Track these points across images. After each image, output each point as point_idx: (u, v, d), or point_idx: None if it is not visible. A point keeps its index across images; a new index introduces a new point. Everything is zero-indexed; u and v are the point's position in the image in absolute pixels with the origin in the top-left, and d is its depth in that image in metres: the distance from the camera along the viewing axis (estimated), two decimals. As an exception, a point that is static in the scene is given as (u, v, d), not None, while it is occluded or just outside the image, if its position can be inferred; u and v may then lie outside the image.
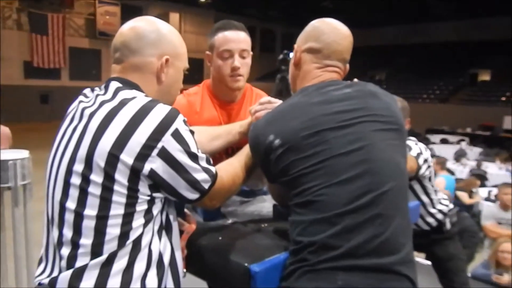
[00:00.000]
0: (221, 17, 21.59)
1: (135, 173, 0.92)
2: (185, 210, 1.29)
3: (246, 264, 1.07)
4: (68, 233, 0.94)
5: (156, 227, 1.00)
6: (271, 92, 1.59)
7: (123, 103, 0.96)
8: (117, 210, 0.92)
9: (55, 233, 0.97)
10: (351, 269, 0.98)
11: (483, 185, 6.77)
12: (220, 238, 1.22)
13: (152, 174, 0.93)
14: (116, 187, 0.91)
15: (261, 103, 1.32)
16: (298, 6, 19.20)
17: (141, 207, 0.95)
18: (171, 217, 1.06)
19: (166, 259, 1.02)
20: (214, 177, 1.04)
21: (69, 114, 1.06)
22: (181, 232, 1.21)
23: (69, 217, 0.94)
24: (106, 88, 1.02)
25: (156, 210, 0.99)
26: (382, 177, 1.05)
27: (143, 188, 0.94)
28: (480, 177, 7.12)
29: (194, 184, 0.99)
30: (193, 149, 0.99)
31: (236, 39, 1.53)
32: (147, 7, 19.01)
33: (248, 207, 1.49)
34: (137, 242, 0.95)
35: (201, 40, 20.59)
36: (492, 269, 3.44)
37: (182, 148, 0.96)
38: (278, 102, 1.29)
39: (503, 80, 17.84)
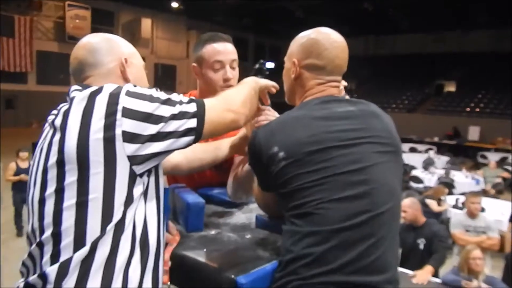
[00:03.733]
0: (192, 24, 21.51)
1: (109, 144, 0.90)
2: (169, 222, 1.27)
3: (232, 276, 1.06)
4: (48, 230, 0.92)
5: (142, 205, 0.97)
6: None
7: (71, 100, 0.96)
8: (96, 193, 0.90)
9: (37, 234, 0.94)
10: (343, 285, 1.00)
11: (450, 193, 6.99)
12: (204, 249, 1.21)
13: (127, 136, 0.91)
14: (92, 170, 0.90)
15: (261, 110, 1.32)
16: (270, 16, 19.41)
17: (123, 183, 0.92)
18: (159, 196, 1.03)
19: (152, 238, 0.99)
20: (194, 100, 1.01)
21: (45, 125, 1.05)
22: (165, 244, 1.19)
23: (48, 213, 0.92)
24: (68, 95, 1.02)
25: (140, 186, 0.95)
26: (379, 199, 1.07)
27: (122, 159, 0.91)
28: (448, 185, 7.34)
29: (178, 116, 0.96)
30: (155, 94, 0.97)
31: (226, 50, 1.54)
32: (118, 12, 18.78)
33: (231, 218, 1.48)
34: (121, 221, 0.92)
35: (173, 46, 20.51)
36: (462, 275, 3.54)
37: (142, 100, 0.94)
38: (275, 112, 1.31)
39: (467, 91, 18.54)
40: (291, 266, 1.03)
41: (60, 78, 16.23)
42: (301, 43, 1.24)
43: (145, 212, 0.98)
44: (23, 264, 0.99)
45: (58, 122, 0.95)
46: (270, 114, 1.32)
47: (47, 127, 1.01)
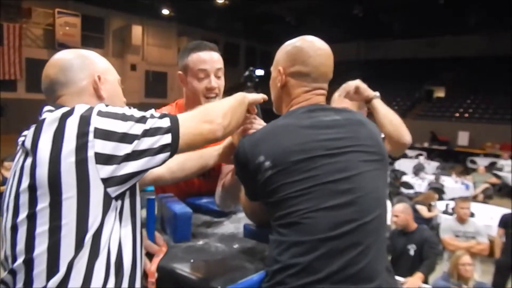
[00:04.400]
0: (183, 30, 21.44)
1: (81, 167, 0.88)
2: (155, 232, 1.26)
3: (219, 287, 1.06)
4: (20, 257, 0.90)
5: (117, 227, 0.95)
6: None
7: (40, 122, 0.94)
8: (69, 217, 0.88)
9: (10, 262, 0.92)
10: None
11: (440, 198, 7.02)
12: (191, 260, 1.20)
13: (100, 157, 0.89)
14: (64, 194, 0.87)
15: (247, 118, 1.32)
16: (261, 21, 19.49)
17: (96, 205, 0.90)
18: (134, 217, 1.01)
19: (127, 261, 0.96)
20: (166, 115, 0.99)
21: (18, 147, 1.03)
22: (152, 256, 1.19)
23: (21, 240, 0.90)
24: (40, 114, 1.01)
25: (114, 208, 0.93)
26: (366, 207, 1.08)
27: (95, 181, 0.89)
28: (438, 190, 7.39)
29: (151, 132, 0.94)
30: (128, 113, 0.95)
31: (211, 59, 1.54)
32: (109, 18, 18.71)
33: (219, 228, 1.47)
34: (95, 244, 0.90)
35: (164, 53, 20.45)
36: (451, 281, 3.55)
37: (114, 119, 0.92)
38: (261, 121, 1.31)
39: (456, 96, 18.72)
40: (279, 276, 1.03)
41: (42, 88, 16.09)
42: (286, 51, 1.25)
43: (119, 235, 0.96)
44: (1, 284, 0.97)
45: (28, 144, 0.93)
46: (256, 123, 1.32)
47: (19, 149, 0.99)
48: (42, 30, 17.17)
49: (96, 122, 0.91)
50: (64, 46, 16.46)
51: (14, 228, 0.92)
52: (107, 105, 0.96)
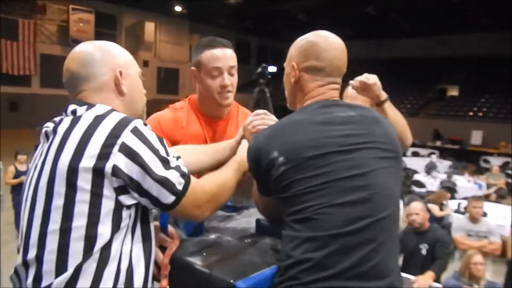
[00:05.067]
0: (196, 27, 21.51)
1: (98, 174, 0.90)
2: (168, 225, 1.27)
3: (231, 281, 1.05)
4: (32, 251, 0.92)
5: (128, 239, 0.96)
6: (249, 103, 1.60)
7: (76, 119, 0.96)
8: (80, 220, 0.89)
9: (22, 252, 0.95)
10: None
11: (452, 197, 6.96)
12: (204, 254, 1.21)
13: (116, 171, 0.90)
14: (78, 196, 0.89)
15: (257, 114, 1.32)
16: (273, 19, 19.44)
17: (107, 214, 0.91)
18: (147, 231, 1.03)
19: (138, 279, 0.98)
20: (187, 177, 1.01)
21: (40, 140, 1.05)
22: (164, 249, 1.20)
23: (34, 233, 0.92)
24: (65, 112, 1.02)
25: (126, 219, 0.95)
26: (379, 204, 1.07)
27: (108, 191, 0.91)
28: (450, 189, 7.32)
29: (164, 183, 0.96)
30: (157, 145, 0.97)
31: (224, 56, 1.53)
32: (122, 15, 18.84)
33: (231, 222, 1.48)
34: (105, 253, 0.91)
35: (176, 50, 20.52)
36: (463, 280, 3.53)
37: (144, 144, 0.94)
38: (273, 116, 1.31)
39: (470, 95, 18.49)
40: (291, 271, 1.03)
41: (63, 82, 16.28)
42: (300, 46, 1.24)
43: (131, 246, 0.97)
44: (15, 272, 0.98)
45: (56, 140, 0.95)
46: (267, 118, 1.32)
47: (43, 142, 1.01)
48: (56, 26, 17.38)
49: (126, 137, 0.92)
50: (77, 42, 16.32)
51: (30, 221, 0.94)
52: (145, 124, 0.98)
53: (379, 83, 1.64)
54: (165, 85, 19.67)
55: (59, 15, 17.34)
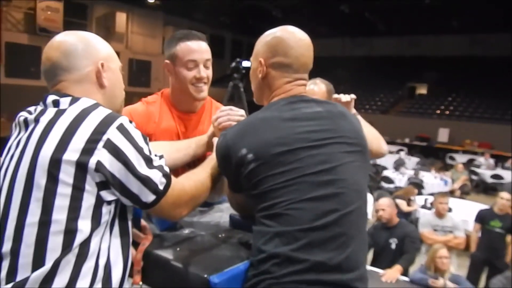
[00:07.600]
0: (170, 20, 21.18)
1: (80, 169, 0.89)
2: (141, 220, 1.26)
3: (205, 276, 1.06)
4: (7, 243, 0.89)
5: (107, 235, 0.95)
6: (222, 98, 1.60)
7: (61, 111, 0.94)
8: (60, 214, 0.88)
9: None
10: (315, 283, 1.01)
11: (419, 193, 7.16)
12: (178, 249, 1.20)
13: (100, 167, 0.90)
14: (59, 189, 0.88)
15: (223, 111, 1.32)
16: (248, 14, 19.38)
17: (88, 209, 0.90)
18: (126, 227, 1.02)
19: (116, 276, 0.97)
20: (168, 177, 1.01)
21: (13, 129, 1.02)
22: (137, 244, 1.18)
23: (10, 226, 0.89)
24: (44, 102, 1.00)
25: (106, 215, 0.94)
26: (348, 198, 1.09)
27: (90, 186, 0.90)
28: (418, 185, 7.53)
29: (146, 182, 0.96)
30: (141, 144, 0.97)
31: (200, 49, 1.53)
32: (92, 4, 18.35)
33: (204, 217, 1.48)
34: (83, 248, 0.90)
35: (148, 42, 20.17)
36: (429, 273, 3.64)
37: (129, 142, 0.94)
38: (240, 110, 1.30)
39: (438, 94, 19.00)
40: (263, 266, 1.04)
41: (30, 71, 15.78)
42: (267, 42, 1.24)
43: (109, 243, 0.96)
44: None
45: (38, 130, 0.92)
46: (233, 114, 1.32)
47: (18, 131, 0.98)
48: (22, 14, 16.74)
49: (112, 134, 0.92)
50: (45, 31, 16.10)
51: (6, 214, 0.91)
52: (130, 122, 0.97)
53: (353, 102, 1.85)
54: (137, 77, 19.32)
55: (26, 3, 16.71)
